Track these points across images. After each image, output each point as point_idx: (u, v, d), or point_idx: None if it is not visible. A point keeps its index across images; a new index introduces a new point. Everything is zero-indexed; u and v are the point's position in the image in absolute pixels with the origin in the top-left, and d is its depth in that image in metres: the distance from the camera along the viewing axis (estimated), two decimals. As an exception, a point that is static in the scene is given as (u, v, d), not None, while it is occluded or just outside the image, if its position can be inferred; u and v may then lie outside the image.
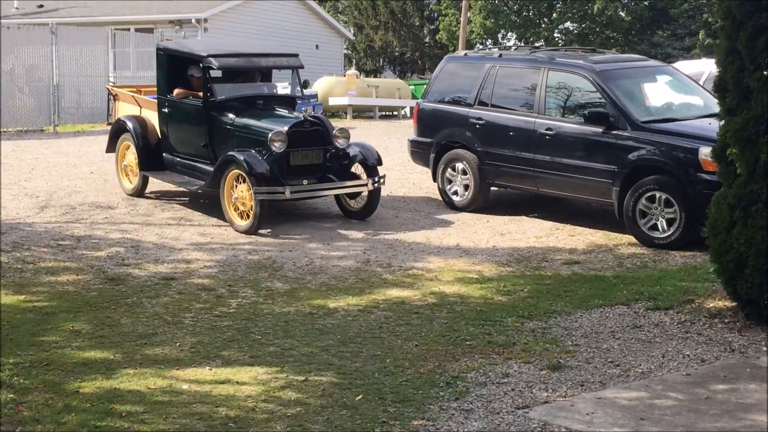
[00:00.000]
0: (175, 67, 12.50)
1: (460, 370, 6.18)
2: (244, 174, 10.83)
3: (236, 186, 11.01)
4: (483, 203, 12.04)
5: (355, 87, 29.76)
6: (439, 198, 12.51)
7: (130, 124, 12.75)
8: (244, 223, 10.85)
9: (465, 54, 13.45)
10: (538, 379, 6.04)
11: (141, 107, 13.18)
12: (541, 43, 37.39)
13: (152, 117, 12.83)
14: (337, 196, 11.94)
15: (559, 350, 6.61)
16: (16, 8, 33.99)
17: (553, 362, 6.33)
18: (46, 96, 23.49)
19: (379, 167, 11.68)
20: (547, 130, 11.04)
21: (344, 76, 32.40)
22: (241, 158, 10.88)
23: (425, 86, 15.60)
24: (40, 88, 23.57)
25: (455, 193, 12.21)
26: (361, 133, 24.19)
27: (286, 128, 11.15)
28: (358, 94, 29.80)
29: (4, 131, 22.18)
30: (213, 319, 7.32)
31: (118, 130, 13.12)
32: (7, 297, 7.83)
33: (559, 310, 7.62)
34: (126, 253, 9.60)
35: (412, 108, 30.47)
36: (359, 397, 5.68)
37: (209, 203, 12.10)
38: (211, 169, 11.55)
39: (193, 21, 30.53)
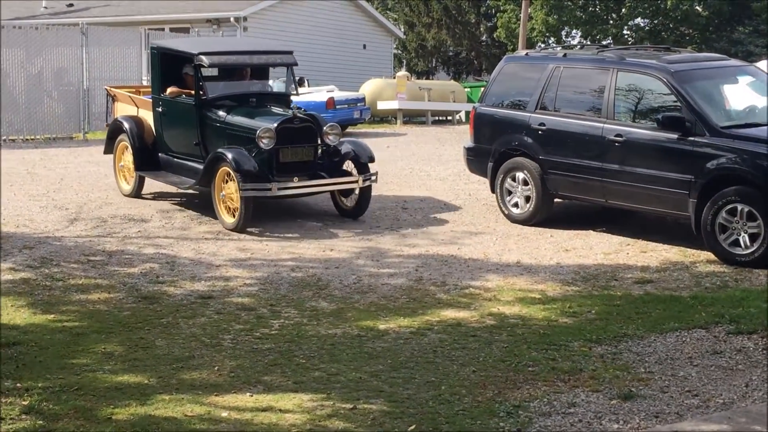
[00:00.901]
0: (169, 66, 13.38)
1: (521, 399, 6.16)
2: (231, 171, 11.61)
3: (226, 183, 11.80)
4: (546, 216, 11.99)
5: (405, 90, 29.83)
6: (498, 210, 12.48)
7: (126, 125, 13.68)
8: (232, 220, 11.66)
9: (526, 54, 13.43)
10: (607, 409, 5.99)
11: (138, 107, 14.08)
12: (609, 42, 37.17)
13: (148, 117, 13.70)
14: (332, 194, 12.79)
15: (630, 378, 6.55)
16: (45, 8, 34.63)
17: (624, 391, 6.28)
18: (75, 101, 23.88)
19: (371, 164, 12.47)
20: (616, 136, 10.98)
21: (394, 78, 32.48)
22: (229, 156, 11.66)
23: (482, 89, 15.59)
24: (69, 93, 23.97)
25: (515, 205, 12.17)
26: (412, 140, 24.25)
27: (274, 125, 11.93)
28: (408, 98, 29.86)
29: (30, 138, 22.59)
30: (254, 341, 7.38)
31: (115, 131, 14.07)
32: (35, 316, 7.97)
33: (631, 333, 7.56)
34: (160, 269, 9.71)
35: (467, 113, 30.48)
36: (412, 427, 5.68)
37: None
38: (202, 167, 12.31)
39: (231, 20, 30.87)
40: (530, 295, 8.77)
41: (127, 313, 8.12)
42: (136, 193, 13.79)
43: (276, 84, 13.55)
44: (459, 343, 7.35)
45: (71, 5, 34.62)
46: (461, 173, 15.88)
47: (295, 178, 11.80)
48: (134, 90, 15.07)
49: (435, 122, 31.17)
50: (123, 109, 14.44)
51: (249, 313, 8.18)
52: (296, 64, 13.67)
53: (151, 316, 8.06)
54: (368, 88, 30.08)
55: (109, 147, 14.26)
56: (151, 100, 13.70)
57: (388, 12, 50.46)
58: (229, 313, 8.15)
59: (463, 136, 23.43)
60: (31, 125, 23.07)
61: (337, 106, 25.85)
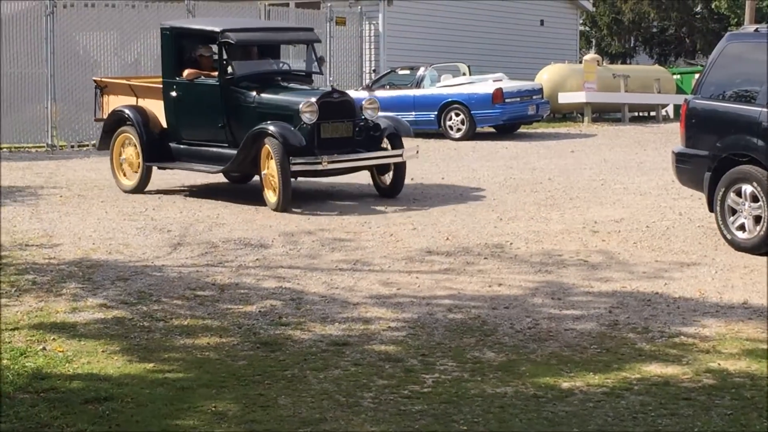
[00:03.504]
0: (181, 48, 15.65)
1: (750, 484, 6.01)
2: (270, 149, 14.10)
3: (269, 161, 14.26)
4: (782, 242, 11.72)
5: (595, 78, 29.62)
6: (718, 234, 12.25)
7: (131, 114, 15.84)
8: (274, 199, 14.32)
9: (755, 30, 13.15)
10: None
11: (138, 97, 16.24)
12: None
13: (152, 106, 15.88)
14: (371, 172, 15.38)
15: None
16: (146, -19, 35.80)
17: None
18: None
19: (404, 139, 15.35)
20: None
21: (580, 62, 32.31)
22: (274, 130, 14.11)
23: (696, 76, 15.34)
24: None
25: (741, 227, 11.93)
26: (603, 143, 24.07)
27: (315, 99, 14.54)
28: (599, 88, 29.64)
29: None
30: (401, 401, 7.41)
31: (114, 123, 16.21)
32: (131, 365, 8.21)
33: None
34: (284, 308, 9.88)
35: (677, 107, 30.06)
36: None
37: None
38: (230, 151, 14.89)
39: (373, -7, 31.37)
40: (761, 347, 8.56)
41: (242, 363, 8.28)
42: (140, 189, 15.94)
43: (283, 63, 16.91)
44: (667, 408, 7.22)
45: (176, -23, 35.70)
46: (669, 186, 15.65)
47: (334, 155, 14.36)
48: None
49: (633, 119, 30.86)
50: (116, 101, 16.52)
51: (394, 365, 8.22)
52: (319, 41, 16.61)
53: (273, 366, 8.19)
54: (547, 77, 30.02)
55: (106, 142, 16.50)
56: (156, 87, 15.93)
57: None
58: (369, 365, 8.21)
59: (671, 137, 23.11)
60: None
61: (507, 100, 25.88)
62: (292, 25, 18.12)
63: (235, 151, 14.97)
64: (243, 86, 15.12)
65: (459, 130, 25.88)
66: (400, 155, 15.06)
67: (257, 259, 11.85)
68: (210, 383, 7.78)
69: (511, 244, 12.51)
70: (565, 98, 29.39)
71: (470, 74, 27.56)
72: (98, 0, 26.47)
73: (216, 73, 15.52)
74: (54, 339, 8.79)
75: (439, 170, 19.46)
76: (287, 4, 31.91)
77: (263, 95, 14.96)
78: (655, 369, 8.06)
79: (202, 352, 8.55)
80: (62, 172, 19.27)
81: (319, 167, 14.33)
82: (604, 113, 31.48)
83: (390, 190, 15.43)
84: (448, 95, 26.10)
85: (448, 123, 26.02)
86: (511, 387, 7.68)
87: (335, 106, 14.82)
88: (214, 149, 15.31)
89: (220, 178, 17.27)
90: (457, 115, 25.89)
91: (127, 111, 15.96)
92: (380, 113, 15.40)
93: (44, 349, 8.51)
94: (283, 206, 14.26)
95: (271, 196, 14.45)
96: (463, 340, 8.90)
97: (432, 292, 10.49)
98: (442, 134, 26.34)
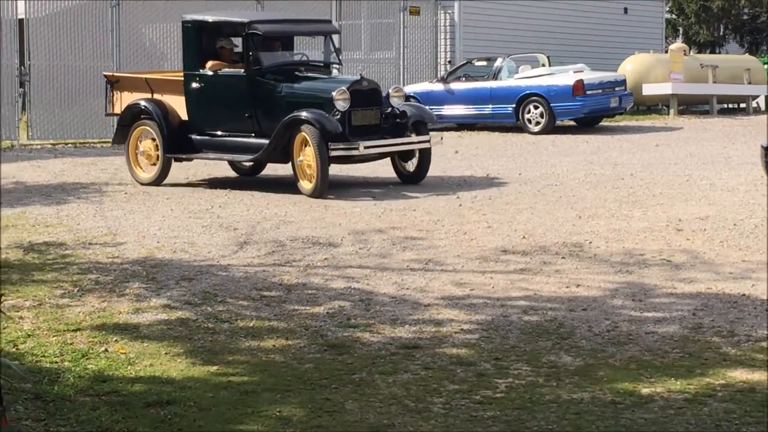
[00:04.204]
0: (202, 41, 16.80)
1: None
2: (307, 135, 15.21)
3: (303, 149, 15.39)
4: None
5: (681, 68, 29.38)
6: (810, 234, 12.12)
7: (150, 107, 16.90)
8: (310, 186, 15.37)
9: None
10: None
11: (153, 91, 17.26)
12: None
13: (169, 99, 16.97)
14: (392, 159, 16.64)
15: None
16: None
17: None
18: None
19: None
20: None
21: (666, 52, 32.05)
22: (311, 116, 15.20)
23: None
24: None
25: (834, 225, 11.78)
26: (690, 136, 23.87)
27: (346, 87, 15.70)
28: (686, 79, 29.41)
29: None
30: (472, 406, 7.41)
31: (131, 116, 17.23)
32: (194, 368, 8.28)
33: None
34: (352, 309, 9.91)
35: (768, 98, 29.76)
36: None
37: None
38: (257, 141, 16.06)
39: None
40: None
41: (309, 366, 8.32)
42: (159, 181, 16.96)
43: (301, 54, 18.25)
44: (752, 415, 7.14)
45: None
46: (758, 182, 15.47)
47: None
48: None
49: (722, 111, 30.55)
50: (129, 96, 17.51)
51: (466, 369, 8.22)
52: (338, 32, 18.47)
53: (340, 370, 8.22)
54: (630, 67, 29.87)
55: (122, 136, 17.52)
56: (175, 80, 17.12)
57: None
58: (440, 369, 8.22)
59: (761, 130, 22.86)
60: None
61: (588, 92, 25.76)
62: (311, 17, 19.97)
63: (261, 141, 16.11)
64: (269, 77, 16.35)
65: (538, 123, 25.80)
66: (428, 141, 16.38)
67: (326, 258, 11.90)
68: (275, 387, 7.83)
69: (590, 242, 12.45)
70: (649, 90, 29.17)
71: (550, 65, 27.43)
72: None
73: (239, 65, 16.71)
74: (116, 340, 8.89)
75: (516, 165, 19.41)
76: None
77: (294, 85, 16.30)
78: (740, 375, 7.98)
79: (268, 355, 8.61)
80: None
81: (356, 152, 15.59)
82: (690, 105, 31.22)
83: (414, 176, 16.73)
84: (527, 87, 26.02)
85: (527, 116, 25.95)
86: (588, 392, 7.65)
87: (364, 94, 16.06)
88: (240, 139, 16.45)
89: (228, 171, 18.45)
90: (536, 107, 25.82)
91: (145, 104, 17.05)
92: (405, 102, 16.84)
93: (106, 350, 8.62)
94: (320, 192, 15.31)
95: (306, 184, 15.52)
96: (539, 343, 8.87)
97: (507, 293, 10.47)
98: (520, 128, 26.28)
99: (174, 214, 14.47)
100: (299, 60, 17.52)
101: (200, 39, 16.94)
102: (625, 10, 36.68)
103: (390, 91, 16.56)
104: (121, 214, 14.58)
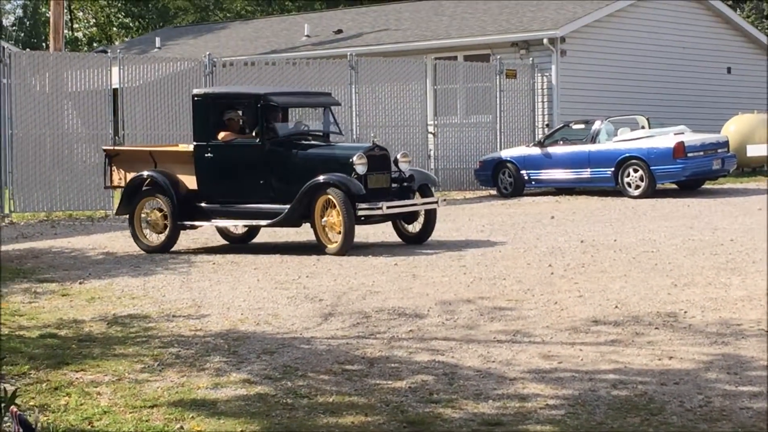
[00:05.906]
0: (212, 113, 18.00)
1: None
2: (334, 197, 16.60)
3: (326, 210, 16.78)
4: None
5: (787, 128, 28.95)
6: None
7: (158, 177, 18.01)
8: (334, 245, 16.78)
9: None
10: None
11: (157, 162, 18.37)
12: None
13: (174, 170, 18.03)
14: (393, 222, 17.98)
15: None
16: (307, 35, 36.57)
17: None
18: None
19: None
20: None
21: (771, 112, 31.61)
22: (337, 180, 16.70)
23: None
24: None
25: None
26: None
27: (363, 152, 17.20)
28: (792, 139, 28.95)
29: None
30: (553, 487, 7.25)
31: (136, 187, 18.34)
32: (269, 445, 8.22)
33: None
34: (435, 383, 9.78)
35: None
36: None
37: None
38: (271, 206, 17.32)
39: (545, 41, 31.23)
40: None
41: (387, 444, 8.22)
42: (167, 248, 17.94)
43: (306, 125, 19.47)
44: None
45: (339, 32, 36.29)
46: None
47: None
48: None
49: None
50: (129, 168, 18.53)
51: (550, 447, 8.07)
52: (338, 104, 21.07)
53: (419, 448, 8.11)
54: (734, 128, 29.56)
55: (127, 207, 18.49)
56: (182, 151, 18.41)
57: (764, 21, 49.20)
58: (522, 447, 8.08)
59: None
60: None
61: (689, 154, 25.48)
62: (313, 90, 23.67)
63: (275, 206, 17.36)
64: (282, 145, 17.68)
65: (638, 187, 25.54)
66: (436, 202, 17.96)
67: (411, 330, 11.80)
68: (350, 466, 7.73)
69: (685, 312, 12.20)
70: (753, 151, 28.79)
71: (649, 127, 27.18)
72: (258, 56, 26.99)
73: (248, 135, 17.97)
74: (192, 417, 8.85)
75: (613, 230, 19.19)
76: (455, 58, 32.14)
77: (308, 152, 17.66)
78: (838, 454, 7.73)
79: (345, 432, 8.51)
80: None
81: (380, 212, 16.93)
82: (797, 167, 30.74)
83: (418, 237, 18.00)
84: (626, 150, 25.79)
85: (626, 179, 25.71)
86: (676, 473, 7.44)
87: (376, 159, 17.51)
88: (253, 205, 17.60)
89: (219, 240, 19.55)
90: (636, 171, 25.57)
91: (153, 175, 18.18)
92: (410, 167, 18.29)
93: (182, 428, 8.57)
94: (345, 250, 16.67)
95: (330, 243, 16.95)
96: (627, 419, 8.67)
97: (596, 365, 10.27)
98: (619, 191, 26.03)
99: (260, 285, 14.49)
100: (307, 130, 18.79)
101: (210, 111, 18.16)
102: (729, 69, 36.31)
103: (398, 156, 17.98)
104: (207, 285, 14.64)
